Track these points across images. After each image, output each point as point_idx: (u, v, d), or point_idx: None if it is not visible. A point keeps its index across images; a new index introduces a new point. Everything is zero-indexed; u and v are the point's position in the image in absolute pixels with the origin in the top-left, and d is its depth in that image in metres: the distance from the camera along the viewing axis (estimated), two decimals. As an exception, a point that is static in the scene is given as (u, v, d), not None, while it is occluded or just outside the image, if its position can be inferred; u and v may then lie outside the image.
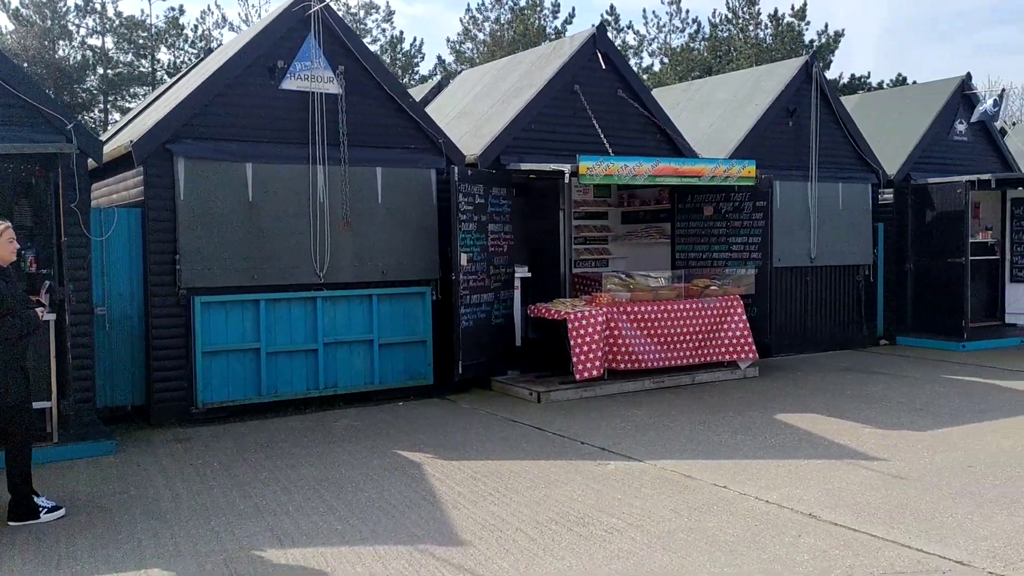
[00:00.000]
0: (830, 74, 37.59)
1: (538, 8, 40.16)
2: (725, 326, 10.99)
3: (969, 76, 15.39)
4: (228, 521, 5.76)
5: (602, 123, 11.31)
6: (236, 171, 9.05)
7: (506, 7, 40.65)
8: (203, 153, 8.90)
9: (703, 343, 10.87)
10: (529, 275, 11.35)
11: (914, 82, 25.54)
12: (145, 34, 36.57)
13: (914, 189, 14.12)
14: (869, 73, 38.73)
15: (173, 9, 37.05)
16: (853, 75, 38.33)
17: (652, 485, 6.45)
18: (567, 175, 9.95)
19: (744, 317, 11.05)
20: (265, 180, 9.19)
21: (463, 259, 9.88)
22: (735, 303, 11.07)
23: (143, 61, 36.77)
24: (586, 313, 10.02)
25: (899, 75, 38.79)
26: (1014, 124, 24.17)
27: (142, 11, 44.23)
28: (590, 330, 9.97)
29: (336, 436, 8.16)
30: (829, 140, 13.57)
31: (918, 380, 10.80)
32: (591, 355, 9.94)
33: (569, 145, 11.08)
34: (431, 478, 6.70)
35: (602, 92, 11.56)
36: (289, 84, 9.37)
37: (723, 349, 10.99)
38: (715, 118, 13.99)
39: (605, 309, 10.19)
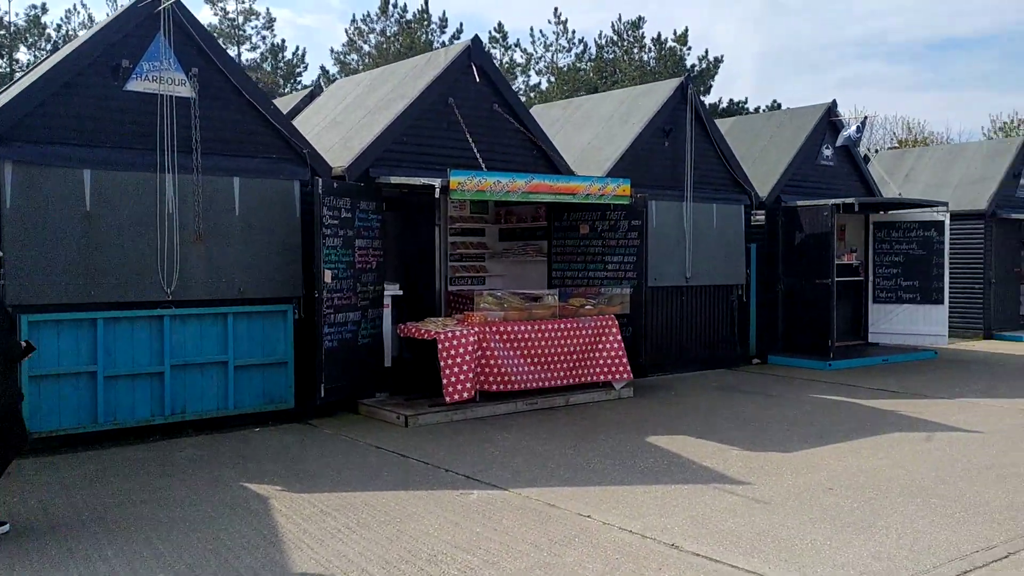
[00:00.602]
0: (710, 98, 38.81)
1: (425, 22, 39.85)
2: (600, 346, 10.83)
3: (835, 103, 15.93)
4: (35, 571, 5.08)
5: (477, 137, 11.02)
6: (72, 178, 8.27)
7: (392, 19, 40.16)
8: (34, 157, 8.10)
9: (578, 363, 10.68)
10: (401, 292, 10.91)
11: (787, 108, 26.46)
12: (3, 32, 34.25)
13: (784, 211, 14.44)
14: (747, 99, 40.25)
15: (35, 7, 34.87)
16: (732, 100, 39.70)
17: (514, 516, 6.12)
18: (438, 190, 9.61)
19: (619, 337, 10.93)
20: (105, 188, 8.43)
21: (327, 276, 9.36)
22: (610, 323, 10.94)
23: (0, 60, 34.41)
24: (457, 333, 9.66)
25: (774, 101, 40.44)
26: (876, 151, 25.38)
27: None
28: (461, 351, 9.61)
29: (177, 468, 7.48)
30: (704, 161, 13.71)
31: (786, 399, 10.93)
32: (462, 376, 9.57)
33: (443, 159, 10.74)
34: (276, 514, 6.17)
35: (478, 106, 11.29)
36: (135, 85, 8.66)
37: (598, 369, 10.82)
38: (594, 136, 13.94)
39: (477, 329, 9.85)
